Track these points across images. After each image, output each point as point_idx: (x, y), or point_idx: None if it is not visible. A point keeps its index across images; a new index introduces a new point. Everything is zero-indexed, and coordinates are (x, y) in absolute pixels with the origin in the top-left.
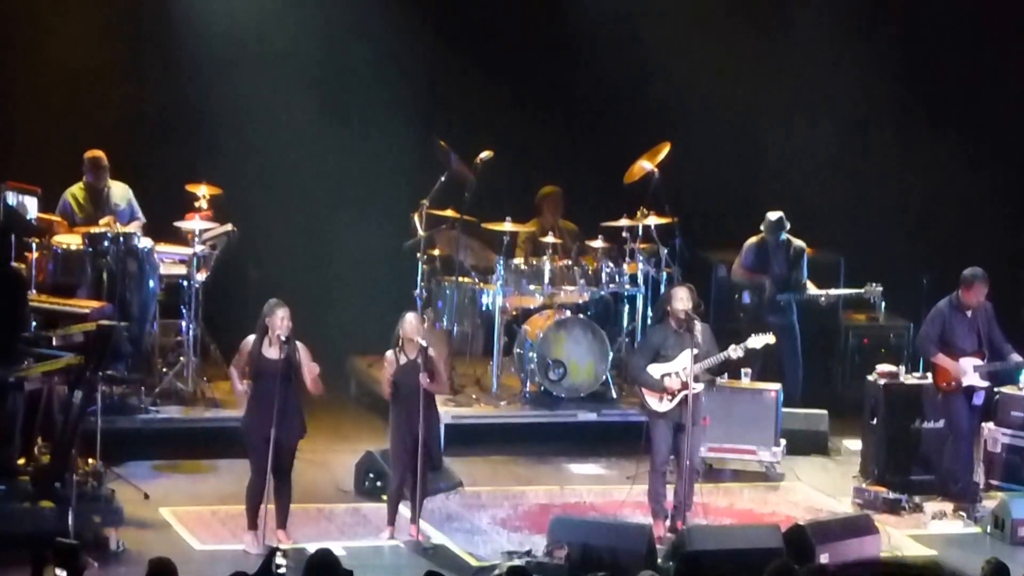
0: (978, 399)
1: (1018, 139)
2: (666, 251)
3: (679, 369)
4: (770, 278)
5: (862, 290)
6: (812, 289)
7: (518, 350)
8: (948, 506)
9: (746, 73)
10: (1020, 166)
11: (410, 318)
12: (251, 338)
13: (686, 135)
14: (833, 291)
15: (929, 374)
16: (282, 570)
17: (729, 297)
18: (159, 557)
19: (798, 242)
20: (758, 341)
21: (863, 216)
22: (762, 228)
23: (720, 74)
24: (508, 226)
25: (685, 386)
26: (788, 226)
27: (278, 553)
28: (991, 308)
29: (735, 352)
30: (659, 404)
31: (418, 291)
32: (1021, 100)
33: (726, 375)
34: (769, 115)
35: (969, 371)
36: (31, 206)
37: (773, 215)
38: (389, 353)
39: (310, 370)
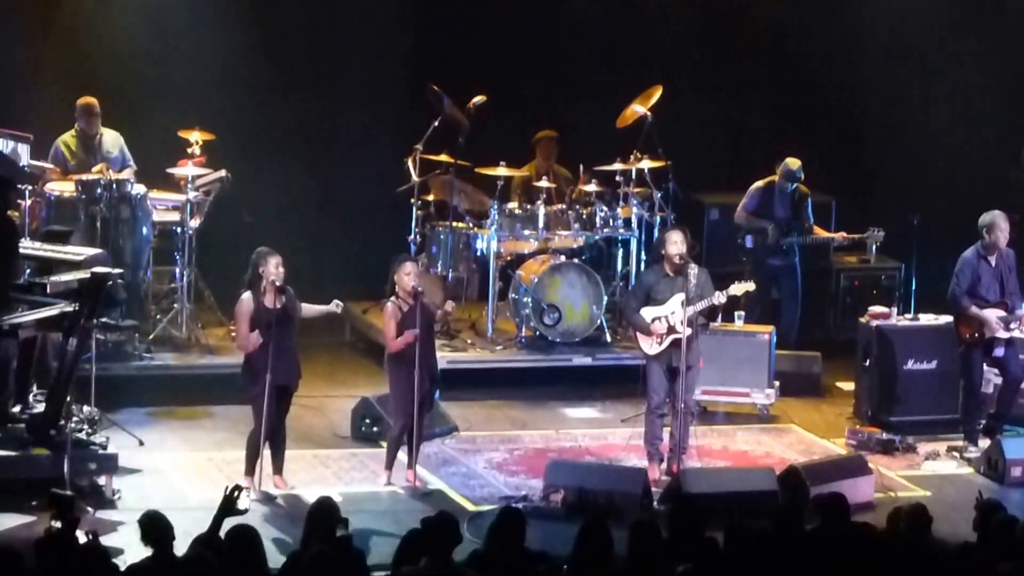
0: (999, 351)
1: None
2: (659, 195)
3: (668, 313)
4: (773, 222)
5: (864, 235)
6: (820, 233)
7: (513, 295)
8: (941, 446)
9: (738, 12)
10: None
11: (408, 267)
12: (246, 296)
13: (678, 78)
14: (839, 235)
15: (940, 318)
16: (243, 505)
17: (722, 240)
18: (150, 511)
19: (802, 187)
20: (739, 288)
21: (854, 158)
22: (777, 172)
23: (711, 13)
24: (502, 171)
25: (672, 330)
26: (802, 176)
27: (242, 492)
28: (1012, 256)
29: (719, 298)
30: (650, 347)
31: (412, 236)
32: None
33: (720, 318)
34: (760, 57)
35: (996, 324)
36: (23, 153)
37: (794, 164)
38: (390, 305)
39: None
